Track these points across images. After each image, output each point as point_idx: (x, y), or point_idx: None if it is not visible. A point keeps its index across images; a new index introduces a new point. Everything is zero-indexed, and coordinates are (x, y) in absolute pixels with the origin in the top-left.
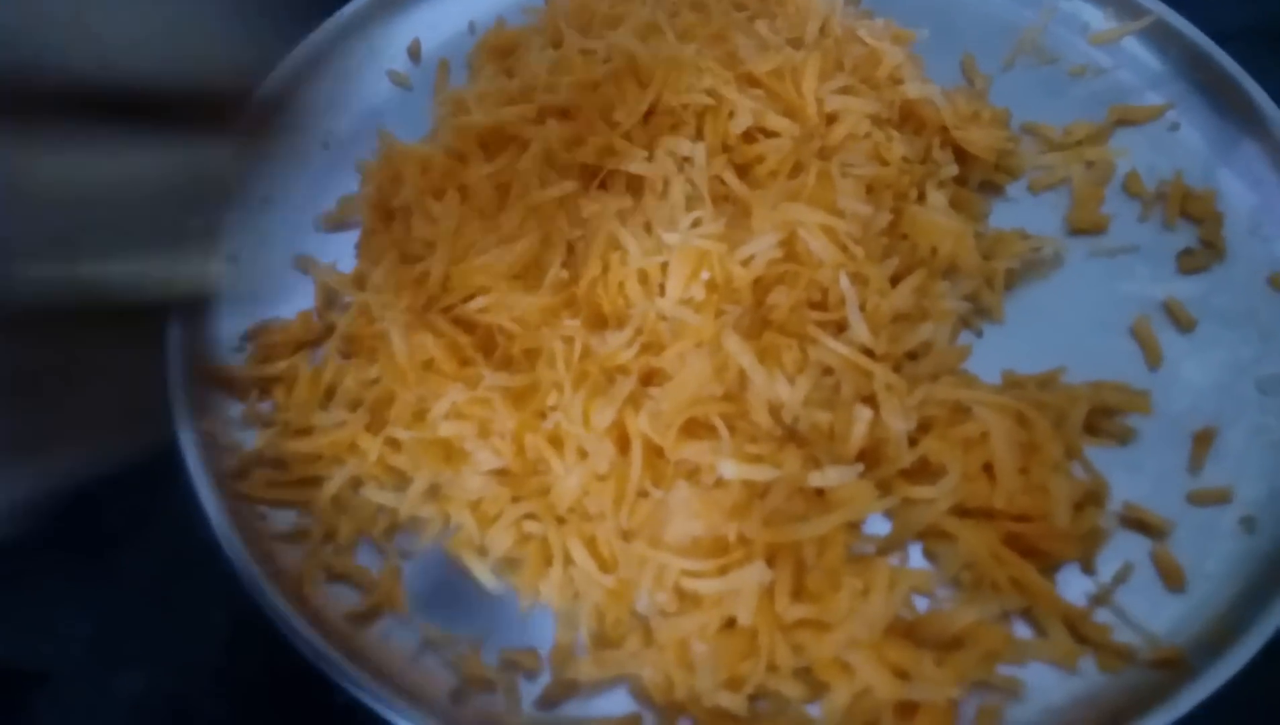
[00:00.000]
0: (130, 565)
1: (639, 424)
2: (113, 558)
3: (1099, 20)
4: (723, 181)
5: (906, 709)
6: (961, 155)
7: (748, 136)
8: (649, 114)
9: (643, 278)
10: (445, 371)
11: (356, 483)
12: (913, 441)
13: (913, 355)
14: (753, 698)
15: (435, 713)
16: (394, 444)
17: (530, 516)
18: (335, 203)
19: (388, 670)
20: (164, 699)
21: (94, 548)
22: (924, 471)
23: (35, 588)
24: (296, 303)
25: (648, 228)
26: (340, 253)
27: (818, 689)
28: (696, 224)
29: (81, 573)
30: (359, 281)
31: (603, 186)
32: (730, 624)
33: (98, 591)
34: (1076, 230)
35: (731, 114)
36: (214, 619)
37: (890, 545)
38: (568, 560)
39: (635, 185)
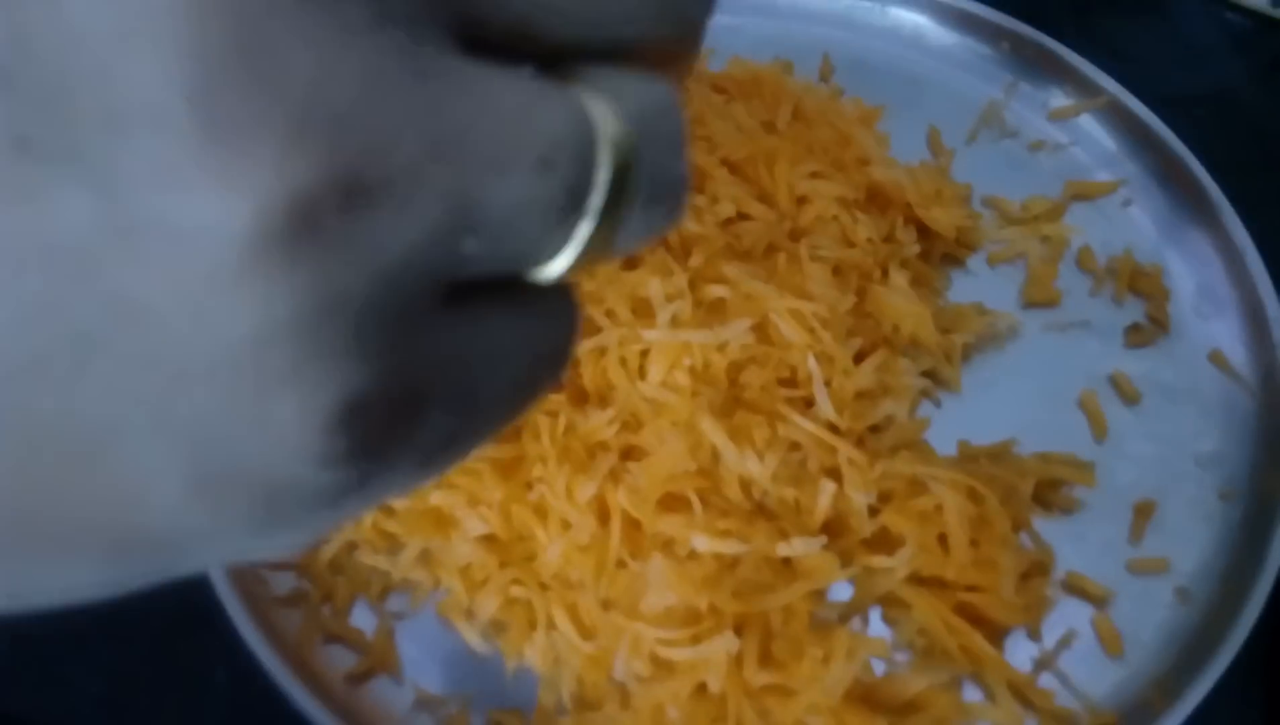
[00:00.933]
0: (139, 625)
1: (618, 498)
2: (122, 618)
3: (1058, 97)
4: (703, 273)
5: None
6: (924, 232)
7: (727, 221)
8: None
9: (623, 362)
10: None
11: (352, 547)
12: (873, 512)
13: (875, 428)
14: None
15: None
16: (388, 511)
17: (516, 582)
18: None
19: None
20: None
21: (105, 608)
22: (884, 542)
23: (49, 645)
24: None
25: (634, 306)
26: None
27: None
28: (675, 322)
29: (93, 632)
30: None
31: None
32: (701, 690)
33: (109, 650)
34: (1031, 303)
35: (715, 200)
36: (218, 677)
37: (852, 611)
38: (550, 625)
39: (628, 261)
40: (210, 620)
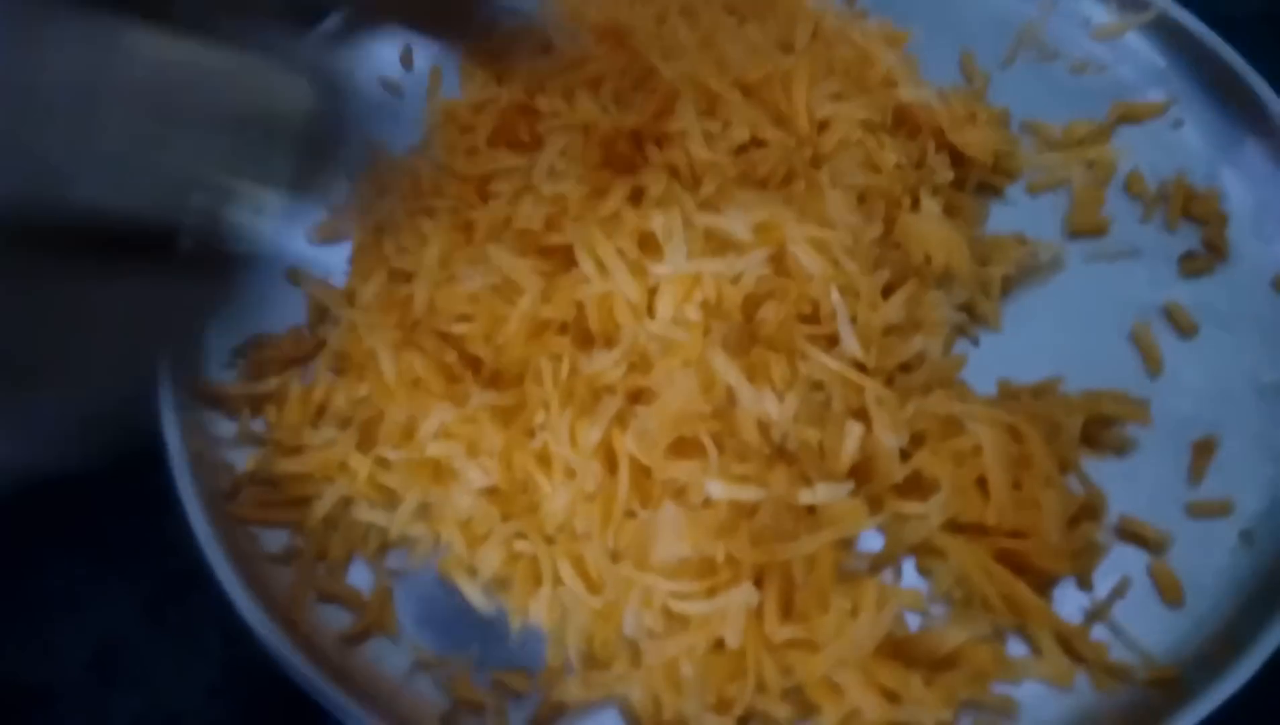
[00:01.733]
0: (128, 588)
1: (626, 443)
2: (111, 579)
3: (1101, 14)
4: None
5: None
6: (958, 158)
7: (740, 148)
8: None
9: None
10: (433, 390)
11: (347, 502)
12: (905, 455)
13: (906, 367)
14: (741, 719)
15: None
16: (384, 463)
17: (520, 535)
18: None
19: (379, 693)
20: (161, 718)
21: (93, 569)
22: (916, 487)
23: (37, 607)
24: (288, 316)
25: (641, 242)
26: (335, 264)
27: (807, 710)
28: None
29: (81, 593)
30: (350, 297)
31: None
32: (719, 645)
33: (97, 612)
34: (1076, 232)
35: (727, 125)
36: (209, 640)
37: (882, 561)
38: (556, 580)
39: (634, 195)
40: (201, 581)
